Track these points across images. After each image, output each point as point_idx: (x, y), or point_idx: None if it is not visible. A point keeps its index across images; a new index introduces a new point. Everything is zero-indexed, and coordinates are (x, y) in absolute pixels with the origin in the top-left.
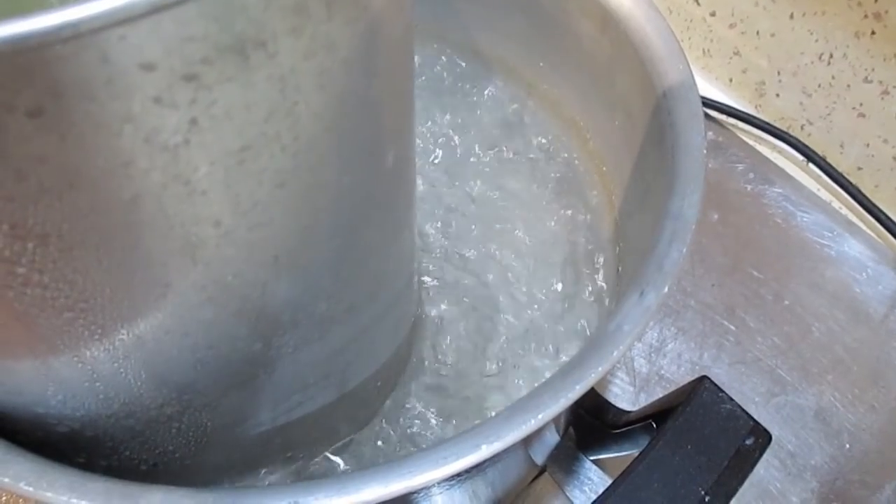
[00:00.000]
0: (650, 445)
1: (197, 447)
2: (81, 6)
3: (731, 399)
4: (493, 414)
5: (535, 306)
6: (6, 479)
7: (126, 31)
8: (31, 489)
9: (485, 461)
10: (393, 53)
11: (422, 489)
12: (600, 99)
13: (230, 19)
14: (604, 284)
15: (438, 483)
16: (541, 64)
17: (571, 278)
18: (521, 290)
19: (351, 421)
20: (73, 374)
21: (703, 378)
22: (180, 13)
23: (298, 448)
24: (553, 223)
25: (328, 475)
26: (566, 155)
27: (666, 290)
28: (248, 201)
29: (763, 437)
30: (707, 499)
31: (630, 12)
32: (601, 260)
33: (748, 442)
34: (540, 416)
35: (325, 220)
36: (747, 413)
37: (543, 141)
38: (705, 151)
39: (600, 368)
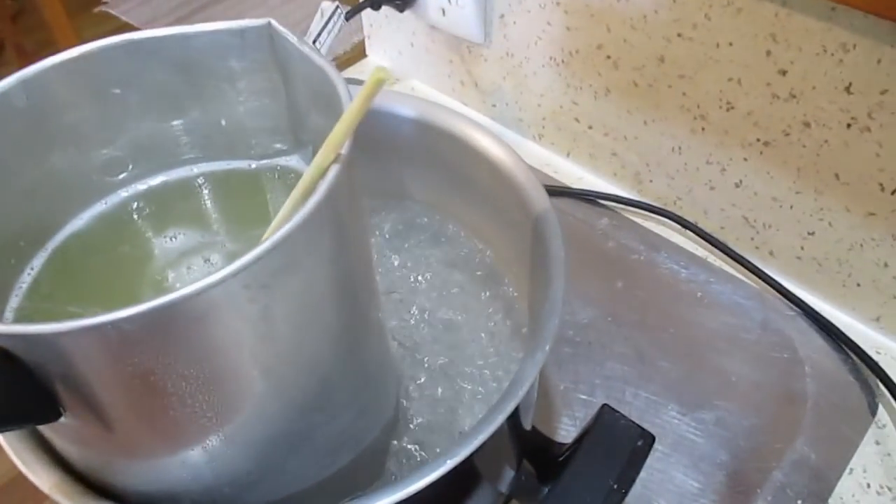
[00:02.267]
0: (571, 458)
1: (273, 502)
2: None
3: (625, 416)
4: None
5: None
6: None
7: (240, 276)
8: None
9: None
10: (357, 238)
11: None
12: (500, 220)
13: (278, 260)
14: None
15: None
16: (457, 199)
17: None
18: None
19: (364, 476)
20: (200, 459)
21: (604, 405)
22: (260, 264)
23: (333, 496)
24: (483, 304)
25: None
26: (486, 259)
27: (547, 349)
28: (293, 341)
29: (649, 438)
30: (615, 486)
31: (503, 162)
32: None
33: (639, 443)
34: (478, 438)
35: (333, 345)
36: (636, 423)
37: (466, 251)
38: (563, 255)
39: (512, 403)
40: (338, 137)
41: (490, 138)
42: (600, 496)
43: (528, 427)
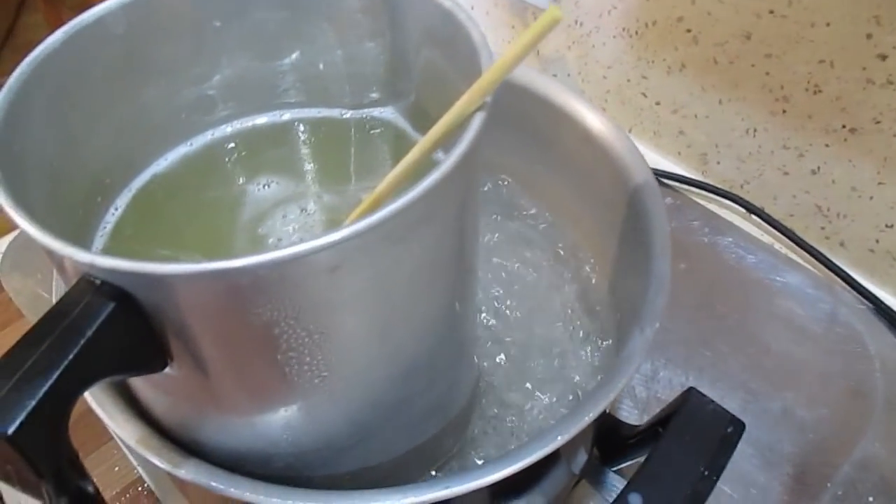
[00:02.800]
0: (660, 442)
1: (362, 469)
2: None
3: (713, 401)
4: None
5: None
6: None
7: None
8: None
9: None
10: (474, 203)
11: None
12: (586, 193)
13: (417, 212)
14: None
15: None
16: (539, 168)
17: (580, 326)
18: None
19: (449, 444)
20: (303, 420)
21: (691, 388)
22: (400, 215)
23: (420, 468)
24: (563, 286)
25: None
26: (565, 235)
27: (657, 325)
28: (410, 302)
29: (739, 426)
30: (706, 473)
31: (602, 132)
32: (599, 312)
33: (729, 430)
34: (587, 417)
35: (448, 305)
36: (726, 410)
37: (544, 225)
38: (668, 226)
39: (621, 384)
40: (489, 82)
41: (585, 105)
42: (690, 481)
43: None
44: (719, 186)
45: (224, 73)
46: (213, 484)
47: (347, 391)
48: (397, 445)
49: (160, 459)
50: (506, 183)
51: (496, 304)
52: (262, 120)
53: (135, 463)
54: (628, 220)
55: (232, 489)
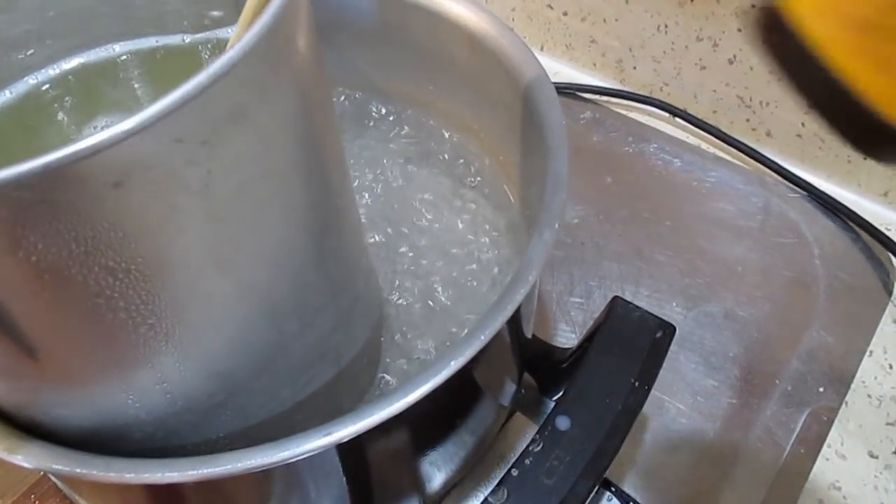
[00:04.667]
0: (585, 358)
1: (241, 430)
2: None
3: (639, 307)
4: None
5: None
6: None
7: (167, 124)
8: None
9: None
10: (322, 106)
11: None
12: (483, 103)
13: (219, 105)
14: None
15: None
16: (430, 87)
17: (498, 241)
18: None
19: (350, 394)
20: (147, 381)
21: (615, 297)
22: (194, 109)
23: (316, 422)
24: (471, 203)
25: None
26: (469, 151)
27: (556, 226)
28: (252, 222)
29: (669, 329)
30: (636, 384)
31: (488, 32)
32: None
33: (658, 335)
34: (483, 337)
35: (303, 231)
36: (653, 314)
37: (448, 145)
38: (564, 122)
39: (522, 291)
40: None
41: (467, 5)
42: (621, 395)
43: (528, 334)
44: (639, 93)
45: (27, 2)
46: (56, 466)
47: (191, 339)
48: (277, 400)
49: None
50: (401, 107)
51: (404, 233)
52: (90, 57)
53: None
54: (525, 121)
55: (78, 469)
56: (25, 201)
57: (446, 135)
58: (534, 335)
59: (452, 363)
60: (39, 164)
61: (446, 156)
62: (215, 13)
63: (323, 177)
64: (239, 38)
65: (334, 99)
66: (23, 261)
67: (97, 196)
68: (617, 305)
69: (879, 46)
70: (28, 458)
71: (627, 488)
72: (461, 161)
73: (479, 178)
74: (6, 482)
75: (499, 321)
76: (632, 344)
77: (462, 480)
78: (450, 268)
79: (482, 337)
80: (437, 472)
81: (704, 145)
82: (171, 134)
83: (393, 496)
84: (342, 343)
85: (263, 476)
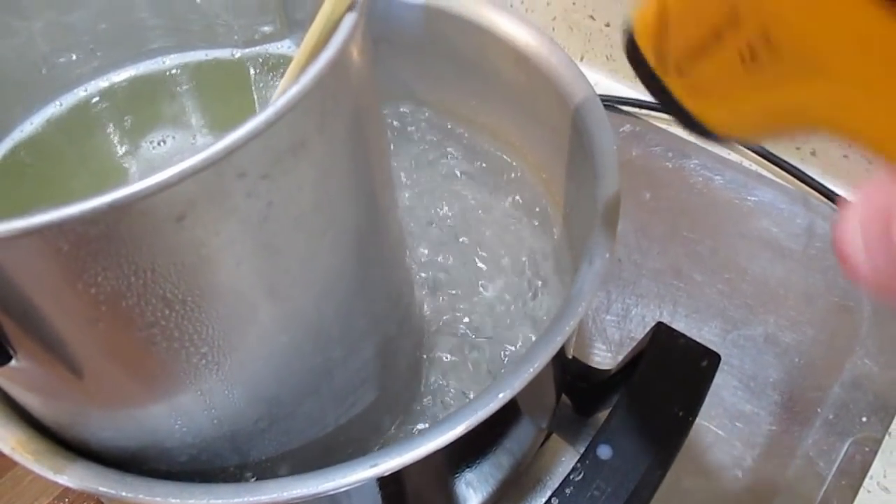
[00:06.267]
0: (628, 385)
1: (283, 453)
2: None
3: (683, 335)
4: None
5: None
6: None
7: (232, 160)
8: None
9: (494, 423)
10: (374, 126)
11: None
12: (528, 120)
13: (282, 138)
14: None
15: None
16: (472, 102)
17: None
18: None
19: (391, 413)
20: (195, 406)
21: (659, 324)
22: (258, 144)
23: (356, 443)
24: (513, 220)
25: None
26: (512, 168)
27: (608, 255)
28: (305, 252)
29: (713, 358)
30: (681, 413)
31: (536, 50)
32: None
33: (703, 364)
34: (531, 369)
35: (352, 257)
36: (697, 342)
37: (491, 161)
38: (615, 146)
39: (572, 322)
40: None
41: (516, 21)
42: (665, 425)
43: (569, 355)
44: None
45: (84, 14)
46: (101, 489)
47: (241, 366)
48: (321, 424)
49: (38, 465)
50: (438, 118)
51: (444, 248)
52: (140, 70)
53: None
54: (573, 142)
55: (123, 492)
56: (89, 235)
57: (490, 151)
58: (573, 356)
59: (501, 395)
60: (106, 201)
61: (489, 172)
62: (266, 28)
63: (373, 201)
64: (300, 65)
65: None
66: (82, 292)
67: (159, 230)
68: (661, 331)
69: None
70: (73, 478)
71: None
72: (504, 178)
73: (521, 197)
74: (40, 484)
75: (548, 353)
76: (676, 372)
77: (498, 502)
78: (490, 286)
79: (531, 369)
80: (473, 492)
81: (747, 162)
82: (234, 169)
83: None
84: (385, 367)
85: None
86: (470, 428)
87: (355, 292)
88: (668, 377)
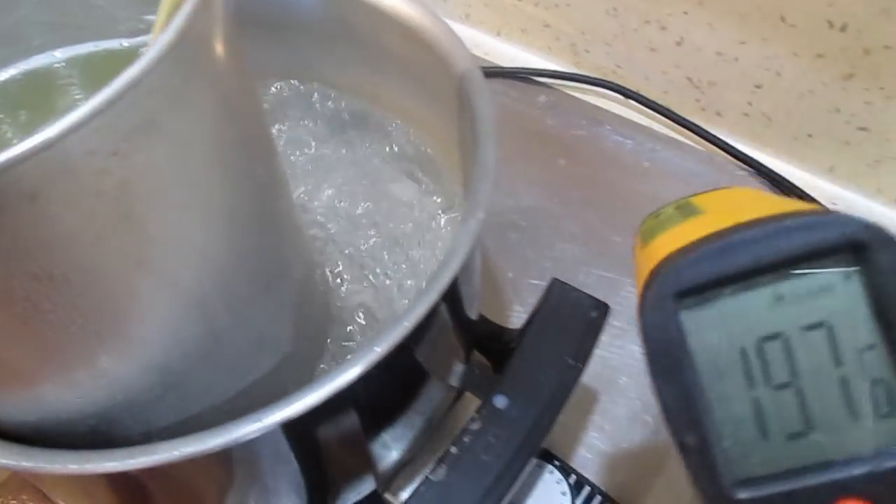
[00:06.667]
0: (523, 339)
1: (184, 420)
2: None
3: (576, 289)
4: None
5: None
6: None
7: (77, 139)
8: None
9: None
10: (247, 107)
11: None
12: (423, 93)
13: (128, 116)
14: None
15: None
16: (376, 79)
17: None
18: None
19: (295, 379)
20: (85, 377)
21: (553, 280)
22: (103, 122)
23: (261, 407)
24: (416, 191)
25: None
26: (415, 141)
27: (481, 215)
28: (172, 226)
29: (603, 308)
30: (571, 362)
31: (421, 24)
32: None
33: (593, 315)
34: (407, 323)
35: (229, 230)
36: (588, 295)
37: (391, 129)
38: (493, 112)
39: (441, 284)
40: None
41: None
42: (556, 373)
43: (473, 315)
44: (593, 76)
45: None
46: (2, 461)
47: (124, 337)
48: (218, 390)
49: None
50: (343, 96)
51: (349, 220)
52: (31, 65)
53: None
54: (460, 112)
55: (24, 462)
56: None
57: (394, 125)
58: (482, 316)
59: (388, 339)
60: None
61: (394, 146)
62: (150, 17)
63: (250, 178)
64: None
65: (285, 92)
66: None
67: (13, 209)
68: (555, 287)
69: None
70: None
71: (575, 464)
72: (408, 150)
73: (424, 167)
74: None
75: (425, 304)
76: (567, 324)
77: (413, 458)
78: (394, 253)
79: (406, 323)
80: (388, 452)
81: (657, 126)
82: (81, 147)
83: (347, 477)
84: (282, 333)
85: (216, 462)
86: (343, 385)
87: (237, 265)
88: (560, 329)
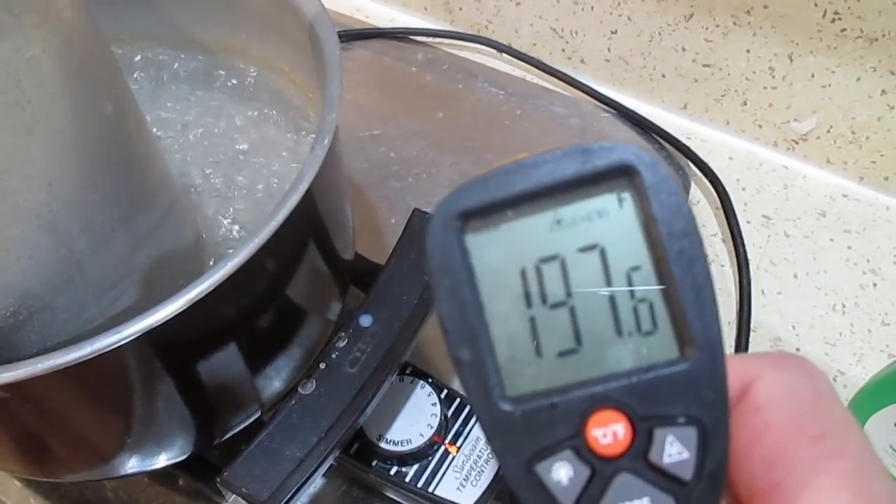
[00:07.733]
0: (386, 265)
1: (52, 347)
2: None
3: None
4: None
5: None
6: None
7: None
8: None
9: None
10: (86, 39)
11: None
12: (285, 44)
13: None
14: None
15: None
16: (243, 35)
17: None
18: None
19: None
20: None
21: (414, 209)
22: None
23: None
24: (278, 128)
25: None
26: (285, 92)
27: (326, 142)
28: (11, 147)
29: None
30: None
31: None
32: None
33: None
34: (245, 252)
35: (77, 158)
36: None
37: (252, 78)
38: (339, 52)
39: (280, 214)
40: None
41: None
42: (416, 293)
43: (347, 256)
44: (467, 32)
45: None
46: None
47: None
48: (85, 317)
49: None
50: (216, 56)
51: (224, 168)
52: None
53: None
54: (316, 58)
55: None
56: None
57: (264, 79)
58: (358, 255)
59: (230, 263)
60: None
61: (265, 98)
62: None
63: (97, 112)
64: None
65: (161, 57)
66: None
67: None
68: (415, 216)
69: None
70: None
71: (449, 381)
72: (279, 102)
73: (296, 118)
74: None
75: (270, 227)
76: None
77: (296, 385)
78: (270, 200)
79: (244, 252)
80: (271, 382)
81: (529, 77)
82: None
83: (232, 407)
84: (147, 264)
85: (92, 380)
86: (185, 304)
87: (88, 192)
88: (420, 253)
